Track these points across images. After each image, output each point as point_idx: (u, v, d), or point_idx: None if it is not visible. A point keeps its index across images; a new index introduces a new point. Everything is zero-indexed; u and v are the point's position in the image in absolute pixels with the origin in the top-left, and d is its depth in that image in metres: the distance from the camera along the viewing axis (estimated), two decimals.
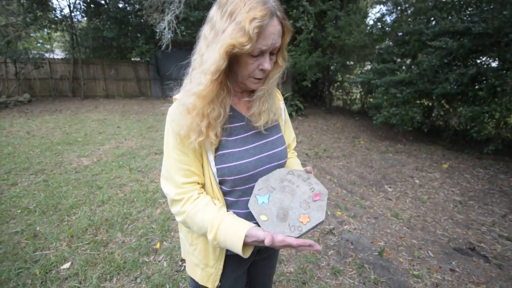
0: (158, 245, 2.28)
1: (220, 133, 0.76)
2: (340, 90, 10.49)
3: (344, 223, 2.71)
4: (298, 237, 0.65)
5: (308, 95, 10.35)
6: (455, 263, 2.18)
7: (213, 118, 0.72)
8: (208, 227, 0.71)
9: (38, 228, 2.45)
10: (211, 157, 0.76)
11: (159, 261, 2.11)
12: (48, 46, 14.00)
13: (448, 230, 2.64)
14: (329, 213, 2.88)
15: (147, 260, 2.12)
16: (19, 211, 2.71)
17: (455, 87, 4.80)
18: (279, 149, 0.87)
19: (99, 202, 2.94)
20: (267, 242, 0.62)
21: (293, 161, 1.00)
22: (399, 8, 7.30)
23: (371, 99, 8.03)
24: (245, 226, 0.69)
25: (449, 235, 2.56)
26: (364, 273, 2.05)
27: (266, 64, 0.69)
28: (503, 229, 2.64)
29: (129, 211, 2.79)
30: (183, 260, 2.10)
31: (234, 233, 0.69)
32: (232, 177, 0.77)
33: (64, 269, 1.99)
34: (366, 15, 8.18)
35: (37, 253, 2.14)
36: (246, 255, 0.72)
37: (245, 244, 0.69)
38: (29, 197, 3.00)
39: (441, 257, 2.24)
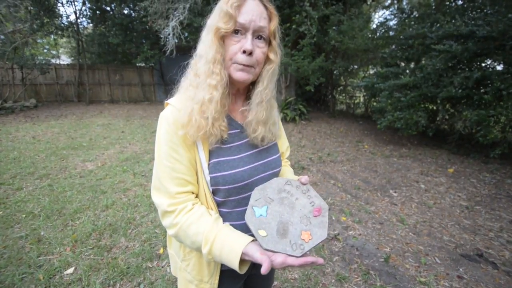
0: (161, 251, 2.27)
1: (226, 126, 0.74)
2: (344, 94, 10.49)
3: (349, 228, 2.68)
4: (300, 256, 0.62)
5: (312, 99, 10.35)
6: (463, 269, 2.14)
7: (223, 105, 0.72)
8: (203, 240, 0.67)
9: (42, 233, 2.46)
10: (205, 165, 0.73)
11: (162, 267, 2.10)
12: (54, 52, 14.23)
13: (455, 235, 2.60)
14: (333, 218, 2.85)
15: (151, 266, 2.11)
16: (24, 215, 2.73)
17: (460, 90, 4.76)
18: (273, 157, 0.85)
19: (103, 206, 2.95)
20: (263, 271, 0.58)
21: (286, 170, 0.98)
22: (404, 14, 7.30)
23: (375, 103, 8.00)
24: (242, 242, 0.65)
25: (456, 241, 2.52)
26: (370, 280, 2.02)
27: (247, 44, 0.67)
28: (511, 235, 2.60)
29: (133, 216, 2.79)
30: None
31: (231, 248, 0.65)
32: (226, 186, 0.75)
33: (67, 274, 1.99)
34: (369, 19, 8.18)
35: (41, 258, 2.14)
36: (243, 270, 0.67)
37: (242, 260, 0.65)
38: (34, 201, 3.01)
39: (448, 263, 2.21)
